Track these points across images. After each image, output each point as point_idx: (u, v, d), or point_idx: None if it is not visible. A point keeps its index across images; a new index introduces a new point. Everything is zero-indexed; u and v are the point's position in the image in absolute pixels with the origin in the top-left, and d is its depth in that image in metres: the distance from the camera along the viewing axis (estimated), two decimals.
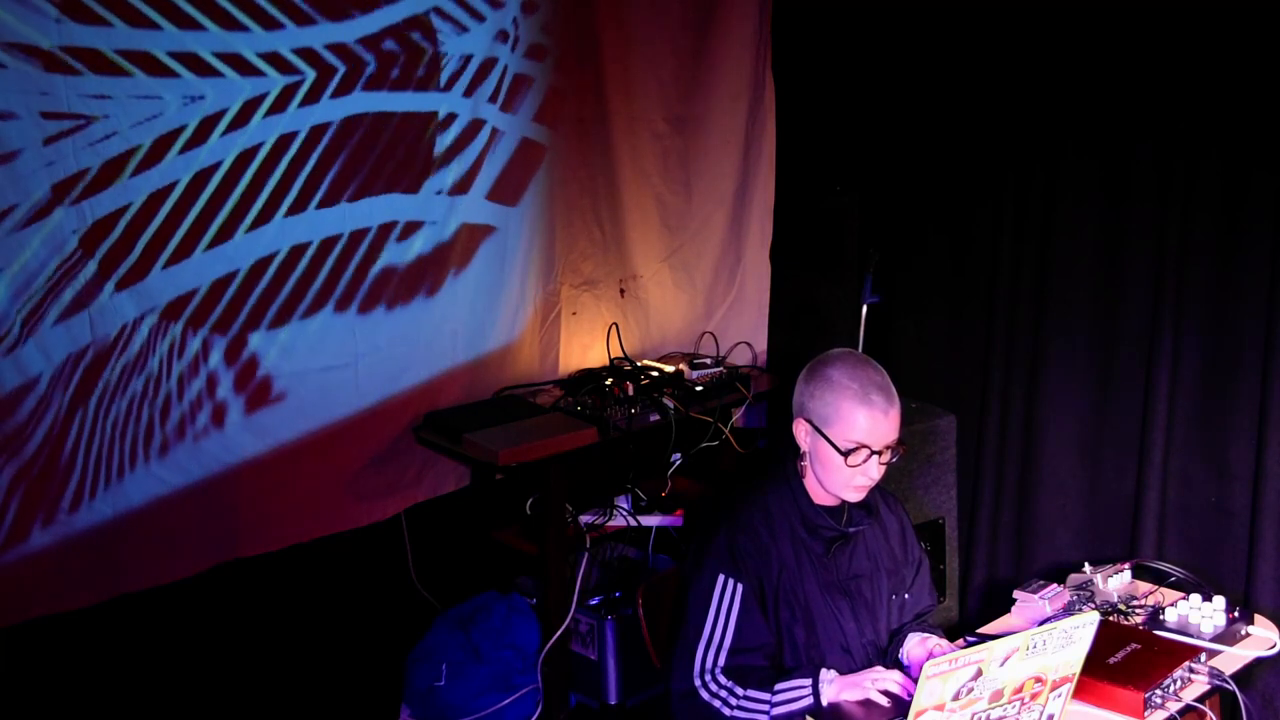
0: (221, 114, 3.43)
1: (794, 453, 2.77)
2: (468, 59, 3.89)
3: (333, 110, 3.63)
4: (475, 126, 3.95)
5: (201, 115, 3.39)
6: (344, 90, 3.64)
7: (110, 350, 3.34)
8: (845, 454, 2.66)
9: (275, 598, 3.86)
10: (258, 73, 3.48)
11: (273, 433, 3.66)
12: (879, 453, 2.67)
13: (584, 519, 4.03)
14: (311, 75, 3.57)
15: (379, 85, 3.71)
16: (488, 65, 3.94)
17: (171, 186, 3.37)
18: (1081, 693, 2.50)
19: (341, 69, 3.63)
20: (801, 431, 2.74)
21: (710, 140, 4.57)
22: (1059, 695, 2.39)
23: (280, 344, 3.64)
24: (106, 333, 3.33)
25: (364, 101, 3.69)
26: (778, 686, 2.61)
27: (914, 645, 2.77)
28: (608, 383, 4.08)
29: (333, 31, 3.60)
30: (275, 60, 3.51)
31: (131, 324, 3.37)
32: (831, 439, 2.67)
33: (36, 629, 3.32)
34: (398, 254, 3.84)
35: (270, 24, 3.48)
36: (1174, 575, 3.12)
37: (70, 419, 3.28)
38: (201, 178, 3.42)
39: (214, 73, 3.40)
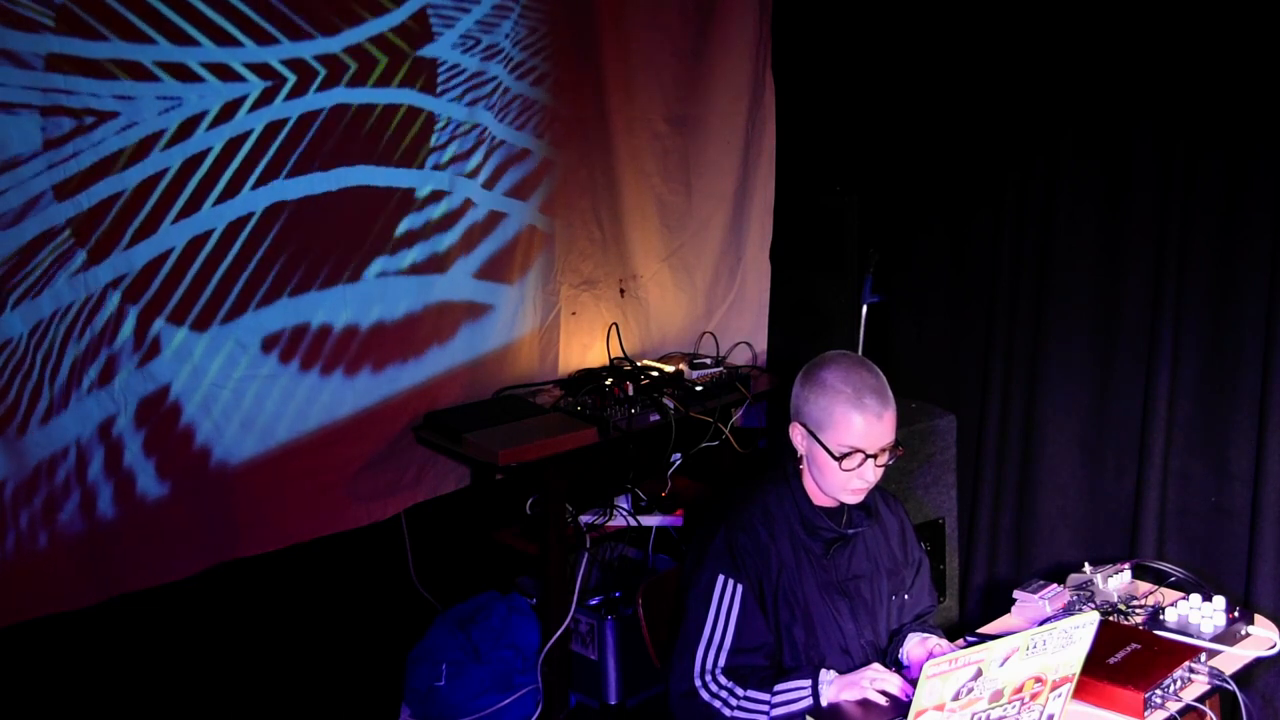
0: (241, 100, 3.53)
1: (793, 453, 2.77)
2: (458, 63, 3.91)
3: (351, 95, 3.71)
4: (470, 127, 3.97)
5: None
6: (357, 83, 3.70)
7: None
8: (839, 458, 2.65)
9: (275, 598, 3.86)
10: (278, 76, 3.56)
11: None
12: (874, 456, 2.66)
13: (584, 519, 4.03)
14: (323, 72, 3.64)
15: (385, 83, 3.76)
16: (484, 68, 3.96)
17: (205, 153, 3.47)
18: (1081, 693, 2.50)
19: (353, 67, 3.67)
20: (797, 435, 2.73)
21: (710, 140, 4.57)
22: (1059, 695, 2.39)
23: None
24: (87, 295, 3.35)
25: (370, 95, 3.73)
26: (777, 687, 2.61)
27: (914, 645, 2.77)
28: (608, 383, 4.08)
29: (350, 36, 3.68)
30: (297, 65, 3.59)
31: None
32: (826, 443, 2.66)
33: (36, 629, 3.32)
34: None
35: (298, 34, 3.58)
36: (1174, 575, 3.11)
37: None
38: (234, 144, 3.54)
39: (238, 78, 3.49)
